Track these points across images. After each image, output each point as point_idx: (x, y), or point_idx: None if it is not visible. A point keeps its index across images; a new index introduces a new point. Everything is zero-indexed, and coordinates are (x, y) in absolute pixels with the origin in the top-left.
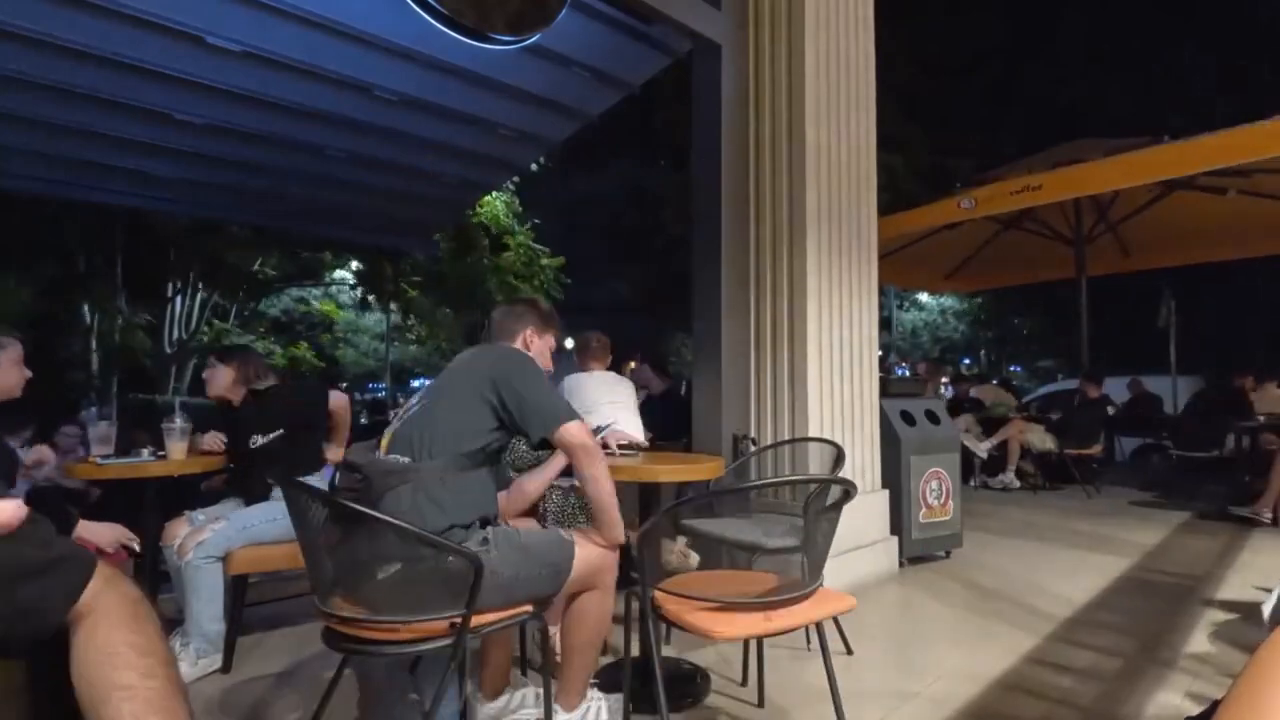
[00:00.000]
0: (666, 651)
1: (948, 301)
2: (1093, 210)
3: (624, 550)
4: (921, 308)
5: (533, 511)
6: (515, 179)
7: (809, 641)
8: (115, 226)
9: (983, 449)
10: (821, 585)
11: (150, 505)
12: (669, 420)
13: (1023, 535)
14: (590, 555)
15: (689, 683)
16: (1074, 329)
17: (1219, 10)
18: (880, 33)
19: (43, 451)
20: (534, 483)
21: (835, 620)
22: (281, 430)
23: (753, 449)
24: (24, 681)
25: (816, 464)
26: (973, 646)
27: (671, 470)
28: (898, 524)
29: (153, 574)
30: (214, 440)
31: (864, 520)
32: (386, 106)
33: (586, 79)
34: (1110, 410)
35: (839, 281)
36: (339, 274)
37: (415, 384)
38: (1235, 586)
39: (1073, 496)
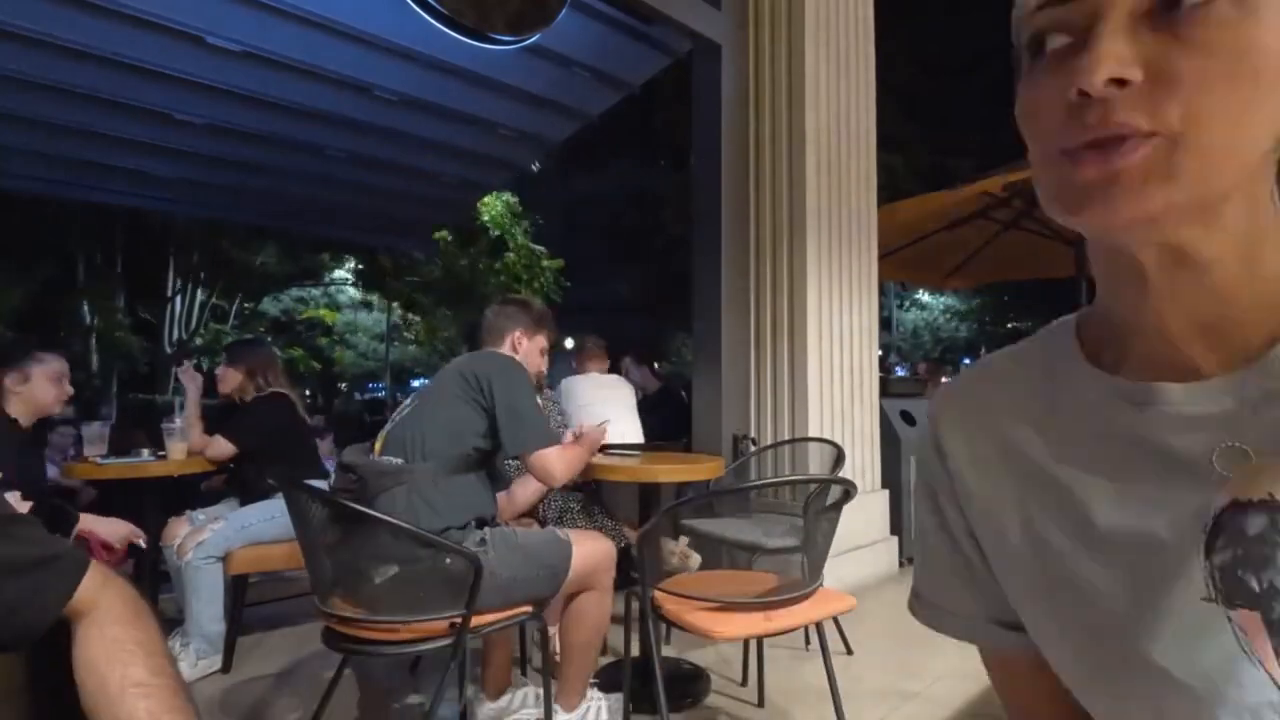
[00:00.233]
0: (666, 651)
1: (948, 301)
2: None
3: (624, 551)
4: (922, 307)
5: (532, 512)
6: (516, 179)
7: (809, 641)
8: (115, 226)
9: None
10: (821, 585)
11: (150, 505)
12: (657, 422)
13: None
14: (588, 555)
15: (689, 683)
16: None
17: None
18: (880, 33)
19: None
20: (525, 491)
21: (835, 620)
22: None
23: (753, 449)
24: (24, 681)
25: (816, 464)
26: (973, 647)
27: (671, 470)
28: (898, 524)
29: (153, 574)
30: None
31: (864, 520)
32: (386, 106)
33: (586, 79)
34: None
35: (839, 281)
36: (338, 274)
37: (415, 384)
38: None
39: None
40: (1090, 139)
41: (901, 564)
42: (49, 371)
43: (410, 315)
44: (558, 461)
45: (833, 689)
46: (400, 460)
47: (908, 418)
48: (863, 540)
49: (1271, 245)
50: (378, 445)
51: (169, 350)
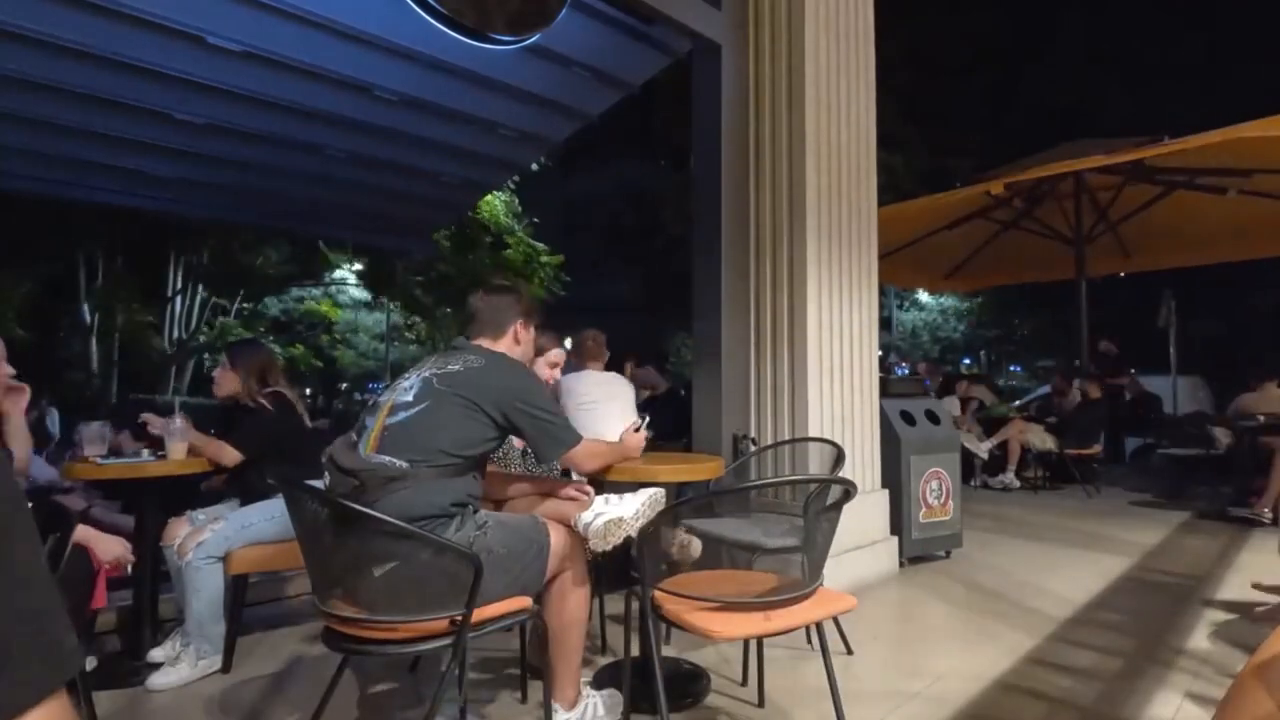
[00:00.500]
0: (666, 651)
1: (948, 301)
2: (1092, 210)
3: (624, 549)
4: (921, 308)
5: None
6: (515, 179)
7: (810, 641)
8: (116, 226)
9: (984, 449)
10: (821, 585)
11: (150, 505)
12: (668, 421)
13: (1023, 535)
14: (559, 537)
15: (689, 683)
16: (1074, 329)
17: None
18: (880, 33)
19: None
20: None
21: (835, 620)
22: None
23: (753, 449)
24: None
25: (816, 464)
26: (973, 646)
27: (671, 470)
28: (898, 524)
29: (153, 575)
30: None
31: (864, 520)
32: (386, 106)
33: (586, 79)
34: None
35: (839, 281)
36: (338, 273)
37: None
38: (1235, 586)
39: (1073, 496)
40: None
41: (902, 564)
42: None
43: (411, 317)
44: (586, 460)
45: (833, 689)
46: (405, 464)
47: (908, 418)
48: (863, 540)
49: None
50: (371, 442)
51: (169, 350)
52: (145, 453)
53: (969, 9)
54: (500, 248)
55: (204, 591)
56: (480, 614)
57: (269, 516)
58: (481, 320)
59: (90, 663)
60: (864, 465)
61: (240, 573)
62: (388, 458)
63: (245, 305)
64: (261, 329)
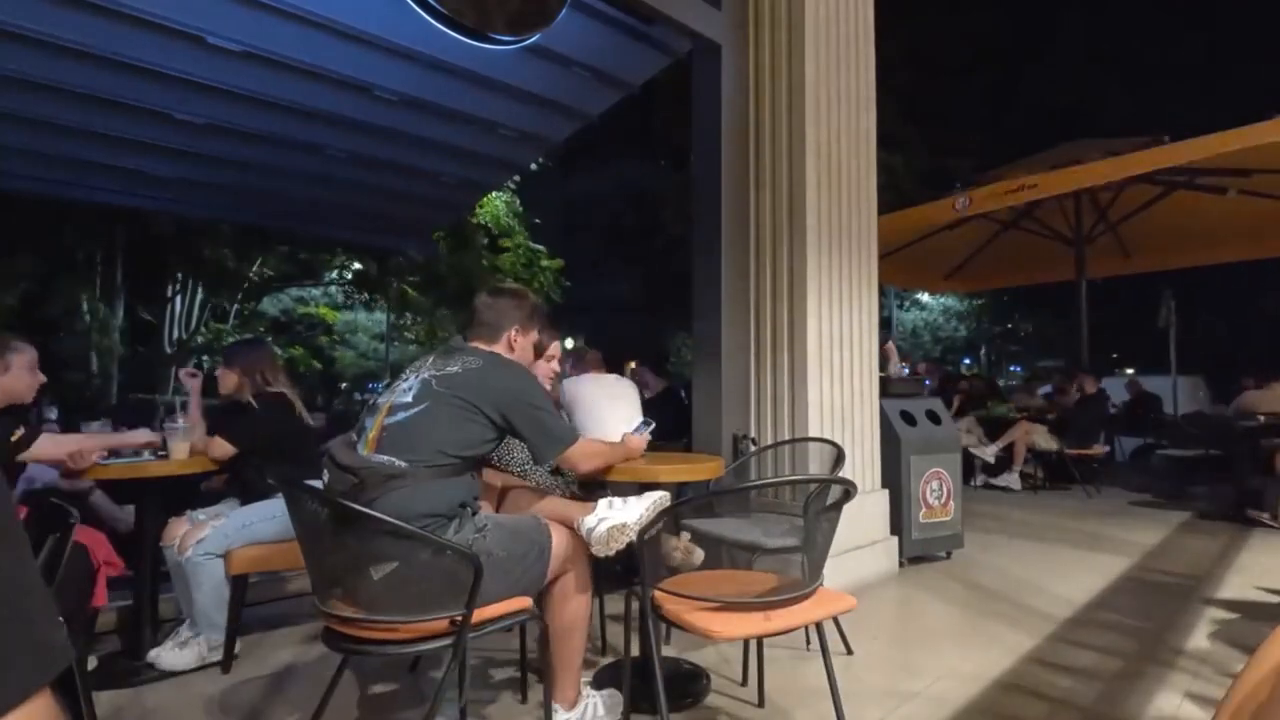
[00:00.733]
0: (666, 651)
1: (948, 301)
2: (1092, 210)
3: (625, 550)
4: (922, 308)
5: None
6: (515, 179)
7: (809, 642)
8: (115, 226)
9: (989, 454)
10: (821, 585)
11: (151, 505)
12: (667, 421)
13: (1023, 535)
14: (561, 539)
15: (689, 682)
16: (1074, 328)
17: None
18: (880, 33)
19: None
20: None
21: (835, 620)
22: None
23: (753, 449)
24: None
25: (816, 464)
26: (973, 646)
27: (671, 470)
28: (898, 524)
29: (153, 575)
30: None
31: (864, 520)
32: (386, 106)
33: (586, 79)
34: (1111, 409)
35: (839, 281)
36: (334, 275)
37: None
38: (1235, 586)
39: (1073, 496)
40: None
41: (902, 564)
42: (26, 360)
43: (406, 317)
44: (582, 460)
45: (833, 689)
46: (405, 464)
47: (908, 418)
48: (863, 540)
49: None
50: (370, 440)
51: (169, 350)
52: (146, 453)
53: (969, 9)
54: (497, 249)
55: (206, 583)
56: (480, 614)
57: (269, 516)
58: (480, 321)
59: (90, 662)
60: (864, 465)
61: (240, 573)
62: (386, 457)
63: (246, 305)
64: (261, 329)
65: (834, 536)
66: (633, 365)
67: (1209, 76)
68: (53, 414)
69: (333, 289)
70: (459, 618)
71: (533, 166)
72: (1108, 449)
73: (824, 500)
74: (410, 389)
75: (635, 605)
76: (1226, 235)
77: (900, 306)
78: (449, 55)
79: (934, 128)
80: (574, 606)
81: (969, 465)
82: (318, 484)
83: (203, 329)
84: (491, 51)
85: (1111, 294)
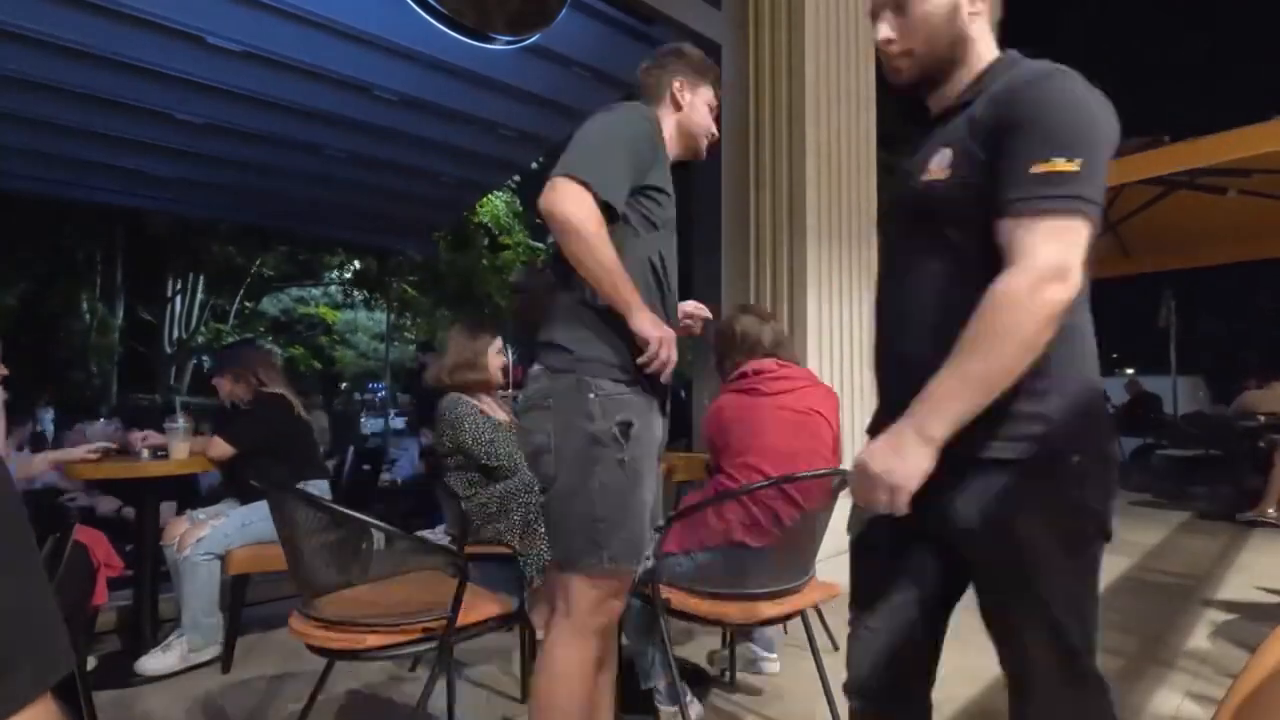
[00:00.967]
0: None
1: None
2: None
3: None
4: None
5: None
6: (515, 179)
7: (799, 632)
8: (115, 226)
9: None
10: (814, 576)
11: (150, 505)
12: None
13: None
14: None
15: (687, 682)
16: None
17: (1220, 10)
18: None
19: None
20: None
21: (821, 618)
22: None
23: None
24: None
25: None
26: (973, 646)
27: (671, 470)
28: None
29: (153, 575)
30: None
31: None
32: (386, 106)
33: (586, 79)
34: (1110, 409)
35: (839, 281)
36: (336, 274)
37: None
38: (1235, 586)
39: None
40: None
41: None
42: None
43: (406, 317)
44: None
45: (825, 687)
46: None
47: None
48: None
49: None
50: None
51: (169, 350)
52: (145, 452)
53: None
54: (497, 249)
55: (198, 584)
56: (466, 618)
57: (269, 516)
58: (640, 91)
59: (90, 663)
60: None
61: (240, 573)
62: None
63: (246, 305)
64: (261, 329)
65: (824, 534)
66: None
67: (1209, 76)
68: (48, 415)
69: (333, 289)
70: (445, 620)
71: (533, 166)
72: None
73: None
74: None
75: (635, 605)
76: (1226, 235)
77: None
78: (449, 55)
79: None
80: (560, 671)
81: None
82: (321, 484)
83: (203, 329)
84: (491, 51)
85: (1111, 294)
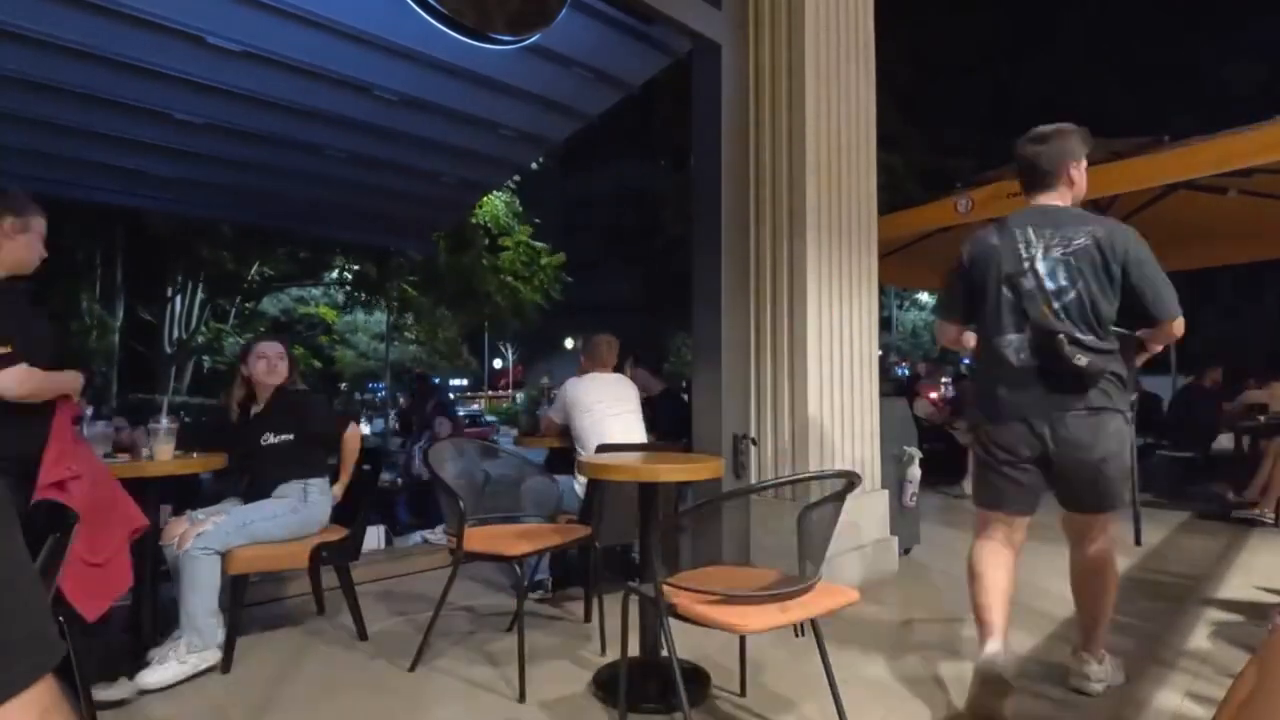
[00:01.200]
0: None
1: None
2: (1092, 211)
3: (623, 551)
4: (922, 308)
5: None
6: (515, 179)
7: (800, 634)
8: (115, 226)
9: None
10: (821, 579)
11: (151, 505)
12: (668, 421)
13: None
14: None
15: (687, 682)
16: None
17: (1220, 10)
18: (880, 33)
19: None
20: None
21: (814, 626)
22: (292, 435)
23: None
24: None
25: (816, 461)
26: (973, 646)
27: (671, 470)
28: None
29: (153, 575)
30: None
31: (864, 520)
32: (386, 106)
33: (586, 79)
34: None
35: (839, 281)
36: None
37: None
38: (1235, 586)
39: None
40: None
41: (902, 555)
42: (43, 228)
43: (406, 317)
44: None
45: (833, 690)
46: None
47: None
48: (863, 540)
49: None
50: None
51: (169, 350)
52: (145, 452)
53: (969, 9)
54: (497, 249)
55: (198, 582)
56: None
57: (269, 516)
58: (1045, 170)
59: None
60: (864, 465)
61: (240, 573)
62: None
63: (246, 305)
64: (261, 329)
65: (833, 531)
66: (630, 364)
67: (1209, 76)
68: None
69: (333, 289)
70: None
71: (533, 166)
72: None
73: (823, 491)
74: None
75: (635, 605)
76: (1226, 235)
77: (900, 306)
78: (449, 55)
79: (934, 128)
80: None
81: (965, 467)
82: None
83: (203, 329)
84: (491, 51)
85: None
